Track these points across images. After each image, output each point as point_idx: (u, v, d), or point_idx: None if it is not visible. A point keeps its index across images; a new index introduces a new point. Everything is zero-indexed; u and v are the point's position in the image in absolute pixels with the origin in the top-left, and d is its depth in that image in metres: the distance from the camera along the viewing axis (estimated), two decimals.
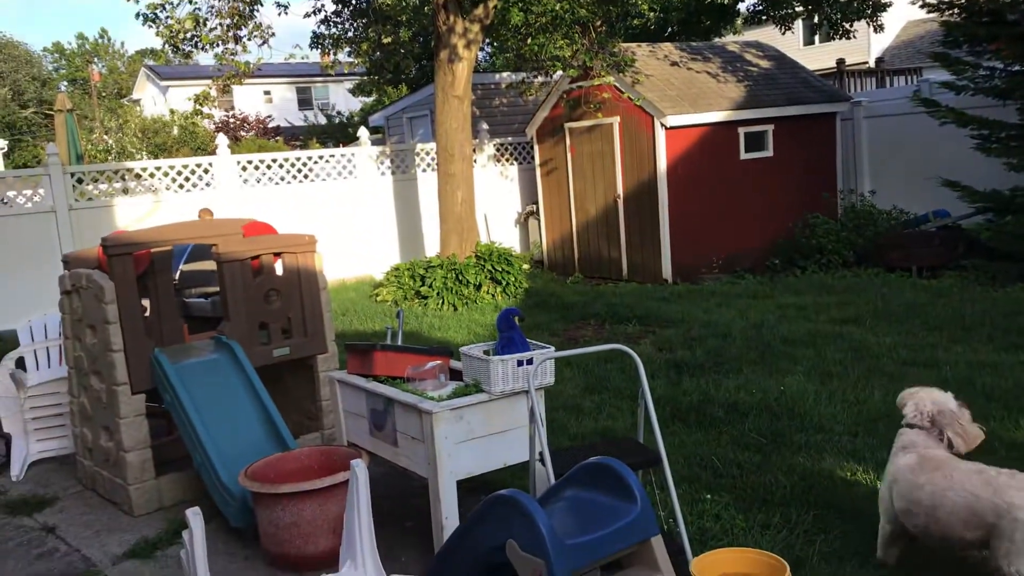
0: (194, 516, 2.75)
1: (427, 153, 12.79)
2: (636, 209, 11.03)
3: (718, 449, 4.72)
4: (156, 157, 23.24)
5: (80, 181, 10.52)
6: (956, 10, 9.81)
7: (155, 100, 36.33)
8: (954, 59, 9.70)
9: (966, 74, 9.56)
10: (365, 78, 20.13)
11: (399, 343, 4.67)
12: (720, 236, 10.89)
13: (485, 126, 13.40)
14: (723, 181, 10.98)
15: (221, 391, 4.58)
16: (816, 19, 16.43)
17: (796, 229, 10.99)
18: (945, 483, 3.10)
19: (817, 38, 26.24)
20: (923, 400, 3.41)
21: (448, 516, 3.57)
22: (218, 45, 10.35)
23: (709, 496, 4.09)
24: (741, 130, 11.11)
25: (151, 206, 10.90)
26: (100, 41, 51.29)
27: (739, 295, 9.27)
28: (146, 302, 5.06)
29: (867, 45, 24.32)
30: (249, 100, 33.38)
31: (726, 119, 10.94)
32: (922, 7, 10.27)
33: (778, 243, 11.03)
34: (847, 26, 15.59)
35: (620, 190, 11.22)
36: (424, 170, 12.79)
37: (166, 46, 10.11)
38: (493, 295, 9.95)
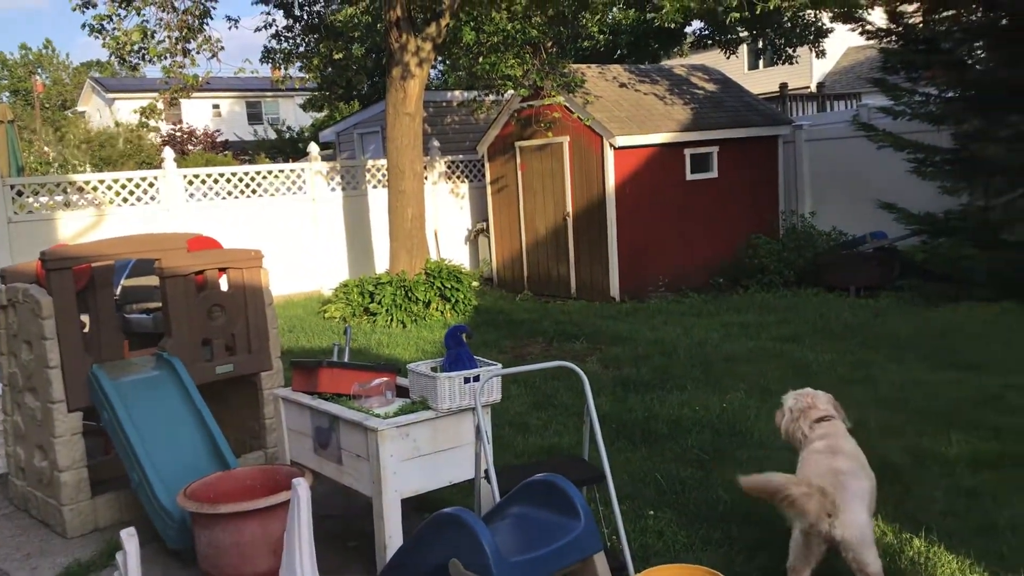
0: (129, 537, 2.70)
1: (378, 169, 12.77)
2: (585, 228, 11.15)
3: (662, 466, 4.78)
4: (100, 170, 22.76)
5: (20, 194, 10.26)
6: (894, 38, 10.16)
7: (100, 112, 35.61)
8: (892, 85, 10.05)
9: (903, 100, 9.89)
10: (316, 93, 20.02)
11: (346, 360, 4.65)
12: (667, 255, 11.06)
13: (436, 143, 13.43)
14: (670, 201, 11.16)
15: (161, 409, 4.49)
16: (760, 44, 16.89)
17: (740, 249, 11.21)
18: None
19: (761, 63, 26.89)
20: (804, 392, 3.76)
21: (392, 535, 3.55)
22: (166, 58, 10.22)
23: (652, 513, 4.14)
24: (687, 151, 11.32)
25: (93, 220, 10.68)
26: (44, 52, 50.14)
27: (684, 313, 9.42)
28: (85, 318, 4.95)
29: (809, 70, 25.00)
30: (197, 114, 32.94)
31: (673, 140, 11.15)
32: (862, 34, 10.62)
33: (722, 262, 11.24)
34: (790, 51, 16.07)
35: (570, 209, 11.33)
36: (375, 186, 12.76)
37: (113, 58, 9.95)
38: (442, 312, 9.94)
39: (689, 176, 11.37)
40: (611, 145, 10.66)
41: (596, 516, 3.86)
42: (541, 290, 11.85)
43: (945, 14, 9.81)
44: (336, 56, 12.58)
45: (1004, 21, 9.39)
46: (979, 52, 9.77)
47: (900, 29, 10.08)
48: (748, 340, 7.84)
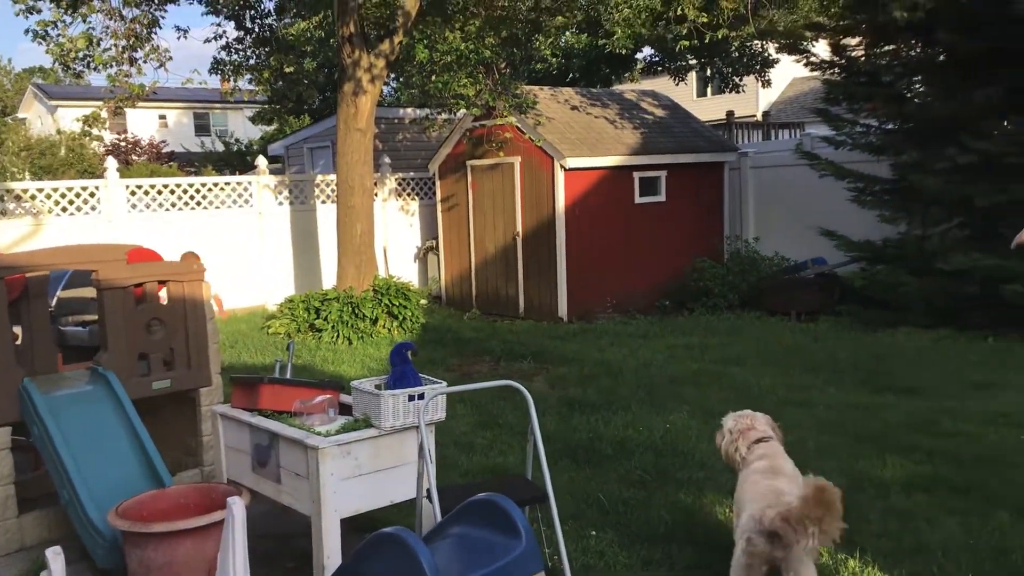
0: (55, 556, 2.60)
1: (327, 184, 12.67)
2: (534, 248, 11.20)
3: (605, 486, 4.80)
4: (40, 179, 22.14)
5: None
6: (837, 70, 10.47)
7: (42, 119, 34.69)
8: (834, 115, 10.33)
9: (844, 130, 10.18)
10: (266, 106, 19.85)
11: (288, 376, 4.58)
12: (615, 277, 11.16)
13: (388, 160, 13.39)
14: (618, 224, 11.28)
15: (94, 424, 4.36)
16: (708, 72, 17.25)
17: (686, 272, 11.37)
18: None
19: (709, 90, 27.46)
20: (742, 414, 3.78)
21: (331, 556, 3.49)
22: (112, 66, 10.04)
23: (595, 533, 4.14)
24: (636, 175, 11.46)
25: (31, 230, 10.38)
26: None
27: (631, 335, 9.50)
28: (18, 329, 4.79)
29: (756, 99, 25.59)
30: (143, 124, 32.32)
31: (622, 164, 11.28)
32: (806, 65, 10.92)
33: (668, 285, 11.39)
34: (737, 80, 16.43)
35: (519, 228, 11.37)
36: (324, 201, 12.65)
37: (56, 65, 9.73)
38: (390, 329, 9.87)
39: (637, 199, 11.52)
40: (562, 166, 10.75)
41: (538, 536, 3.85)
42: (489, 309, 11.85)
43: (886, 48, 10.15)
44: (287, 69, 12.49)
45: (941, 57, 9.75)
46: (917, 86, 10.12)
47: (843, 62, 10.39)
48: (692, 362, 7.93)
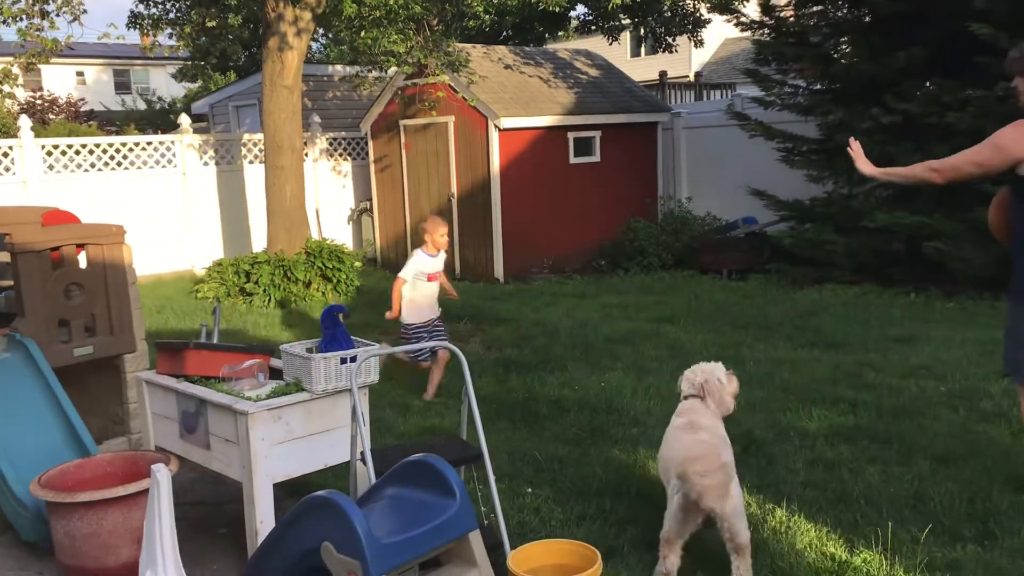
0: None
1: (255, 144, 12.32)
2: (470, 209, 11.12)
3: (541, 445, 4.84)
4: None
5: None
6: (766, 30, 10.56)
7: None
8: (763, 76, 10.45)
9: (774, 90, 10.31)
10: (189, 63, 19.13)
11: (215, 341, 4.46)
12: (550, 237, 11.18)
13: (317, 119, 13.08)
14: (554, 184, 11.28)
15: (13, 394, 4.19)
16: (642, 32, 17.24)
17: (620, 232, 11.46)
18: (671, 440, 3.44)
19: (643, 50, 27.51)
20: (696, 372, 3.67)
21: (263, 521, 3.44)
22: (22, 19, 9.51)
23: (530, 490, 4.18)
24: (571, 135, 11.45)
25: None
26: None
27: (567, 295, 9.55)
28: None
29: (688, 59, 25.72)
30: (60, 81, 30.87)
31: (557, 124, 11.25)
32: (737, 25, 10.98)
33: (604, 245, 11.47)
34: (670, 40, 16.46)
35: (454, 189, 11.27)
36: (251, 162, 12.31)
37: None
38: (323, 293, 9.72)
39: (572, 160, 11.52)
40: (496, 126, 10.66)
41: (474, 495, 3.86)
42: None
43: (814, 9, 10.27)
44: (209, 24, 12.03)
45: (867, 18, 9.91)
46: (844, 47, 10.28)
47: (772, 22, 10.48)
48: (627, 321, 8.02)
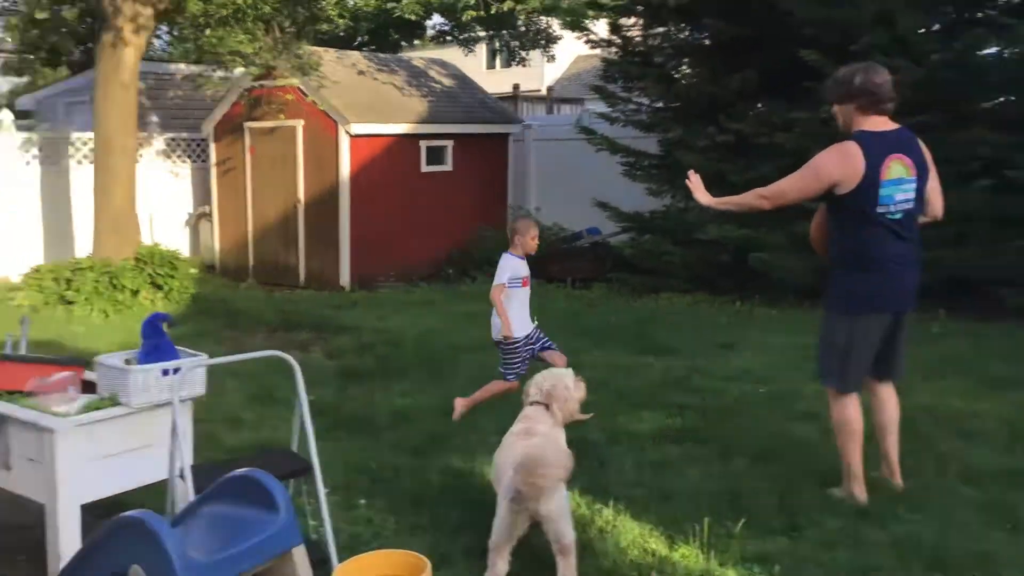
0: None
1: (84, 143, 11.56)
2: (316, 216, 10.90)
3: (379, 454, 4.79)
4: None
5: None
6: (614, 49, 10.96)
7: None
8: (609, 92, 10.83)
9: (619, 107, 10.69)
10: (15, 56, 17.76)
11: (23, 353, 4.15)
12: (399, 245, 11.12)
13: (156, 119, 12.45)
14: (404, 192, 11.23)
15: None
16: (497, 45, 17.52)
17: (470, 240, 11.54)
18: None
19: (498, 63, 27.91)
20: (545, 378, 3.74)
21: (68, 545, 3.23)
22: None
23: (364, 501, 4.13)
24: (423, 143, 11.45)
25: None
26: None
27: (414, 303, 9.53)
28: None
29: (541, 74, 26.31)
30: None
31: (409, 132, 11.23)
32: (587, 43, 11.34)
33: (453, 253, 11.52)
34: (523, 54, 16.79)
35: (301, 195, 11.02)
36: (80, 162, 11.53)
37: None
38: (153, 301, 9.21)
39: (424, 168, 11.52)
40: (347, 132, 10.52)
41: (304, 510, 3.78)
42: (268, 279, 11.41)
43: (658, 31, 10.75)
44: (39, 16, 11.23)
45: (707, 41, 10.46)
46: (685, 67, 10.81)
47: (620, 41, 10.90)
48: (473, 329, 8.05)
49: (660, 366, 6.61)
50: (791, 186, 3.98)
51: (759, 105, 9.50)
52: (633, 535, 3.74)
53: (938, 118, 8.16)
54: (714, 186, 10.20)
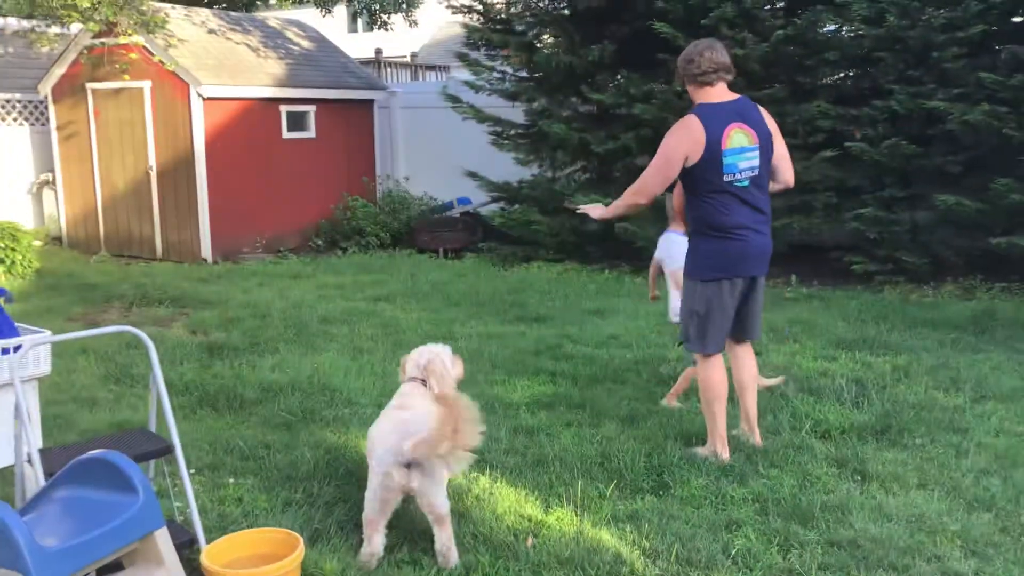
0: None
1: None
2: (172, 184, 10.33)
3: (247, 431, 4.62)
4: None
5: None
6: (476, 15, 10.86)
7: None
8: (473, 60, 10.73)
9: (483, 75, 10.61)
10: None
11: None
12: (264, 215, 10.72)
13: None
14: (266, 159, 10.81)
15: None
16: (357, 6, 17.04)
17: (338, 211, 11.27)
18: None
19: (360, 27, 27.20)
20: (421, 353, 3.72)
21: None
22: None
23: (232, 480, 3.98)
24: (283, 108, 11.04)
25: None
26: None
27: (281, 275, 9.23)
28: None
29: (406, 39, 25.84)
30: None
31: (268, 95, 10.79)
32: (448, 7, 11.18)
33: (321, 224, 11.23)
34: (385, 18, 16.43)
35: (153, 162, 10.41)
36: None
37: None
38: None
39: (286, 134, 11.12)
40: (199, 94, 9.99)
41: (168, 491, 3.60)
42: (122, 250, 10.76)
43: None
44: None
45: (566, 11, 10.53)
46: (547, 37, 10.85)
47: (482, 8, 10.80)
48: (343, 301, 7.92)
49: (532, 334, 6.69)
50: (652, 177, 4.11)
51: (619, 77, 9.66)
52: (509, 501, 3.78)
53: (783, 92, 8.62)
54: (579, 156, 10.45)
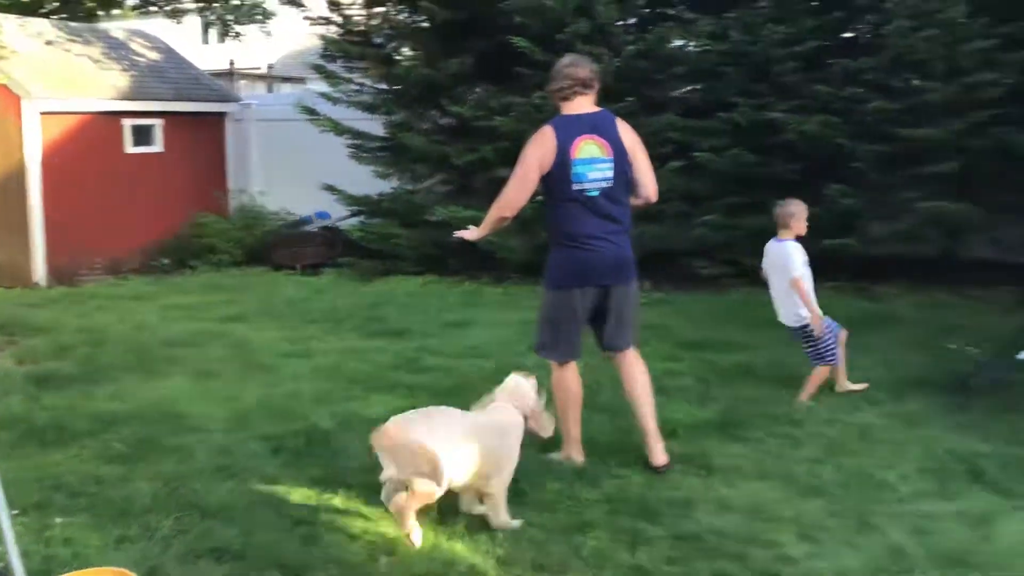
0: None
1: None
2: (2, 202, 9.60)
3: (79, 466, 4.31)
4: None
5: None
6: (333, 27, 10.68)
7: None
8: (330, 72, 10.55)
9: (340, 87, 10.44)
10: None
11: None
12: (105, 234, 10.12)
13: None
14: (108, 175, 10.25)
15: None
16: (210, 18, 16.45)
17: (187, 228, 10.78)
18: None
19: (213, 38, 26.25)
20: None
21: None
22: None
23: (61, 520, 3.69)
24: (127, 122, 10.52)
25: None
26: None
27: (122, 297, 8.76)
28: None
29: (262, 51, 25.14)
30: None
31: (110, 108, 10.27)
32: (305, 19, 10.95)
33: (168, 242, 10.70)
34: (238, 29, 15.93)
35: None
36: None
37: None
38: None
39: (130, 149, 10.60)
40: (33, 108, 9.35)
41: None
42: None
43: (378, 10, 10.61)
44: None
45: (425, 24, 10.51)
46: (405, 50, 10.79)
47: (340, 20, 10.63)
48: (191, 322, 7.56)
49: (392, 348, 6.60)
50: (513, 190, 4.13)
51: (477, 89, 9.72)
52: (364, 520, 3.69)
53: (635, 105, 8.91)
54: (439, 168, 10.45)
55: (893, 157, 7.94)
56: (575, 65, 4.14)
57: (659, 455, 4.14)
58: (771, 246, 5.25)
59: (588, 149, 4.02)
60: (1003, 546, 3.33)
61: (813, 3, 8.92)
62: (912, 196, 7.93)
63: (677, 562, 3.28)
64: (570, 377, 4.26)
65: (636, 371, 4.27)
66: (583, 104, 4.14)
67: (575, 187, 4.02)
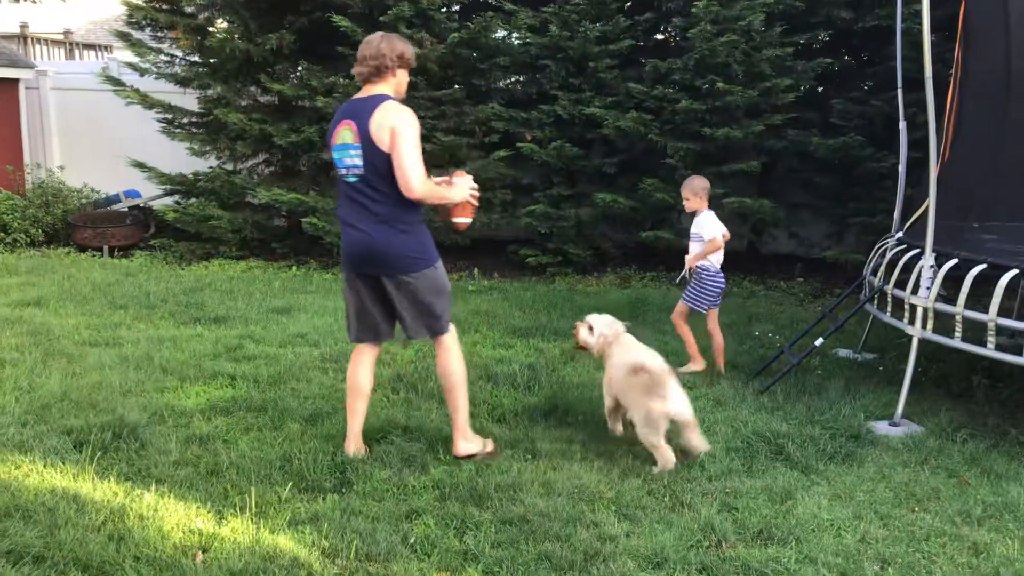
0: None
1: None
2: None
3: None
4: None
5: None
6: None
7: None
8: (137, 41, 9.81)
9: (149, 57, 9.73)
10: None
11: None
12: None
13: None
14: None
15: None
16: None
17: None
18: None
19: None
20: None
21: None
22: None
23: None
24: None
25: None
26: None
27: None
28: None
29: (60, 15, 23.09)
30: None
31: None
32: None
33: None
34: None
35: None
36: None
37: None
38: None
39: None
40: None
41: None
42: None
43: None
44: None
45: None
46: (221, 21, 10.18)
47: None
48: None
49: (211, 336, 6.28)
50: (415, 161, 3.86)
51: (300, 68, 9.37)
52: (178, 517, 3.51)
53: (460, 93, 8.95)
54: (261, 148, 10.04)
55: (700, 155, 8.44)
56: (366, 43, 3.99)
57: (457, 447, 4.17)
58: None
59: (343, 135, 3.96)
60: (804, 518, 3.63)
61: (627, 3, 9.29)
62: (718, 192, 8.48)
63: (504, 545, 3.35)
64: (353, 362, 4.19)
65: (442, 360, 4.19)
66: (369, 89, 4.02)
67: (340, 172, 4.02)
